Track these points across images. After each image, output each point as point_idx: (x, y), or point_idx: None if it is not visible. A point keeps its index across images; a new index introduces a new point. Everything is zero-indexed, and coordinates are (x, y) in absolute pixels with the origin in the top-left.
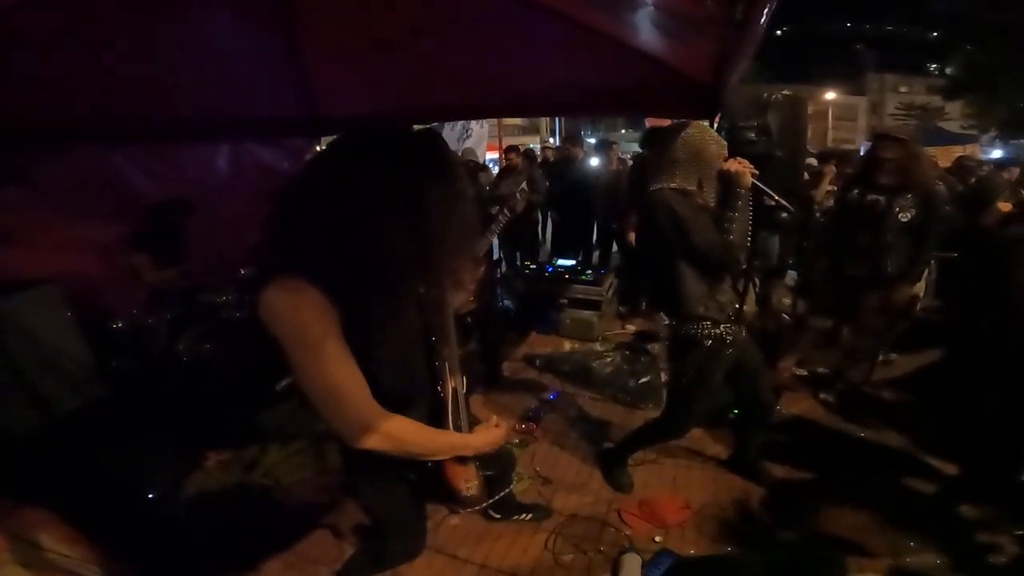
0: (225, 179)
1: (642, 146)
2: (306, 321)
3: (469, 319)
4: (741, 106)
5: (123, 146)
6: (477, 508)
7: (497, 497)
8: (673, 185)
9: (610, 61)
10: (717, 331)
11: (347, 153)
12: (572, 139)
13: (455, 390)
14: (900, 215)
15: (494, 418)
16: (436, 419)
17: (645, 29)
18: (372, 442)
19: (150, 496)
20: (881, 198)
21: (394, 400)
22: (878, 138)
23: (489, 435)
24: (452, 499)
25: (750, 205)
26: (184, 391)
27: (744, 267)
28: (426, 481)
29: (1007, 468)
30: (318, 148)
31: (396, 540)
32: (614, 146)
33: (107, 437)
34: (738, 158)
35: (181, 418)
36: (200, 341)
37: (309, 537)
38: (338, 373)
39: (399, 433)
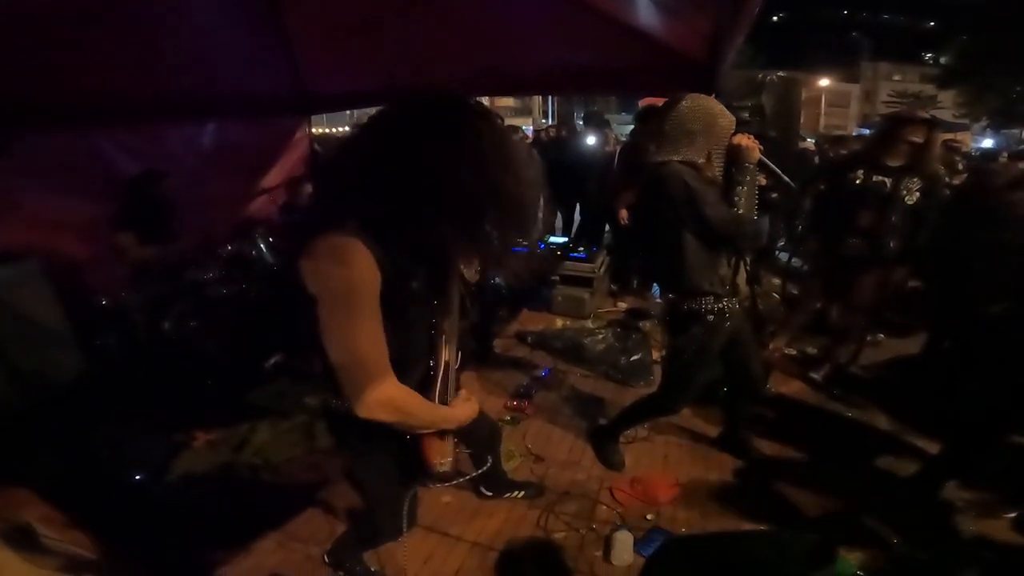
0: (210, 157)
1: (638, 123)
2: (355, 278)
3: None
4: (736, 86)
5: (106, 124)
6: (451, 484)
7: (477, 472)
8: (681, 158)
9: (604, 39)
10: (720, 305)
11: (416, 118)
12: (562, 120)
13: (447, 363)
14: (907, 197)
15: (463, 392)
16: (425, 390)
17: (640, 6)
18: (378, 410)
19: (137, 477)
20: (887, 180)
21: (394, 362)
22: (902, 121)
23: (468, 408)
24: (425, 474)
25: (757, 180)
26: (171, 369)
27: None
28: (403, 455)
29: (993, 449)
30: (307, 127)
31: (385, 516)
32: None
33: (92, 416)
34: (745, 133)
35: (168, 397)
36: (186, 319)
37: (299, 516)
38: (369, 336)
39: (404, 404)
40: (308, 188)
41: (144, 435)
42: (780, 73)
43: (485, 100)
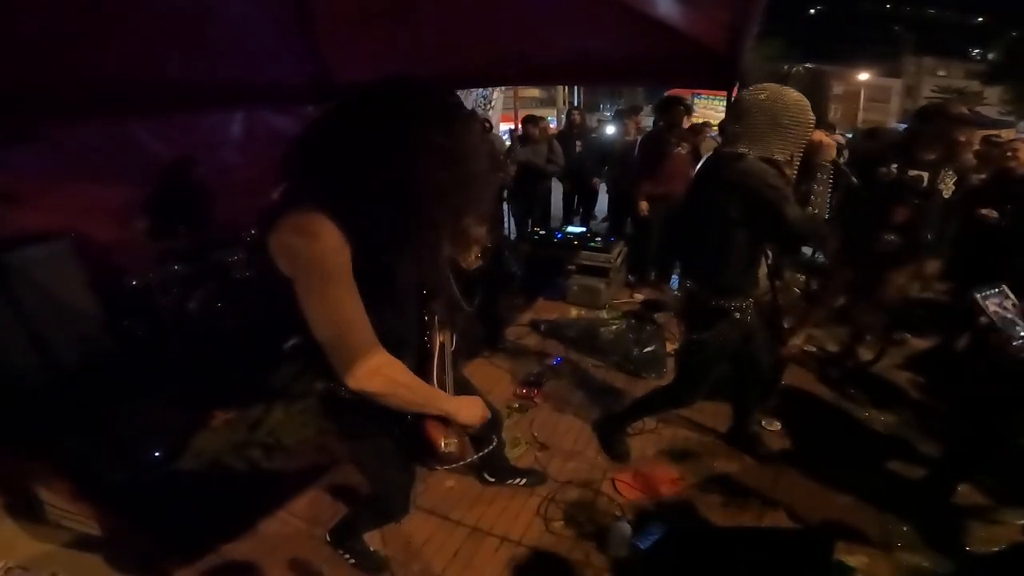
0: (237, 144)
1: (656, 113)
2: (325, 250)
3: (473, 278)
4: (759, 77)
5: (138, 112)
6: (454, 466)
7: (477, 455)
8: (762, 153)
9: (624, 29)
10: (746, 304)
11: (383, 102)
12: (577, 109)
13: (442, 344)
14: (944, 191)
15: (478, 399)
16: (421, 370)
17: None
18: (369, 380)
19: (156, 454)
20: (924, 174)
21: (387, 344)
22: (956, 120)
23: (474, 410)
24: (430, 455)
25: (831, 180)
26: (194, 350)
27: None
28: (406, 436)
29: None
30: None
31: (383, 497)
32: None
33: (115, 393)
34: (824, 131)
35: (190, 377)
36: (210, 300)
37: (306, 496)
38: (348, 306)
39: (396, 374)
40: None
41: (164, 413)
42: (807, 65)
43: (510, 90)
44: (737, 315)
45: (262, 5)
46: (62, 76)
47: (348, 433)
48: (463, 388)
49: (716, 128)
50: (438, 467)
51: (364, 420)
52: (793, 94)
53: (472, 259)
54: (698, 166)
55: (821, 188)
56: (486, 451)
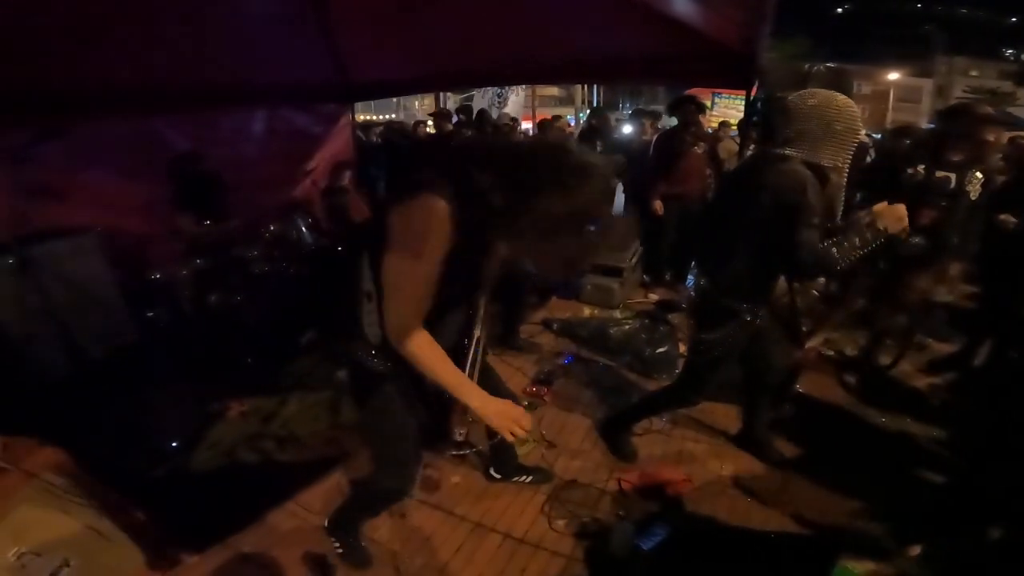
0: (259, 142)
1: (670, 113)
2: (433, 232)
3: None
4: (779, 77)
5: (164, 111)
6: (463, 453)
7: (490, 443)
8: (809, 158)
9: (640, 28)
10: (758, 306)
11: (544, 159)
12: (599, 108)
13: (478, 339)
14: (971, 193)
15: (517, 407)
16: (458, 358)
17: None
18: (404, 343)
19: (173, 444)
20: (952, 175)
21: (443, 330)
22: (983, 120)
23: (505, 418)
24: (444, 438)
25: (872, 246)
26: (213, 342)
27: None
28: (430, 415)
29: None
30: (350, 115)
31: (393, 475)
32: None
33: (135, 384)
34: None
35: (208, 368)
36: (231, 293)
37: (315, 488)
38: (419, 283)
39: (432, 348)
40: (349, 173)
41: (182, 404)
42: (829, 64)
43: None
44: (747, 317)
45: (284, 8)
46: (91, 77)
47: (372, 406)
48: (485, 377)
49: (735, 127)
50: (448, 452)
51: (393, 394)
52: (842, 98)
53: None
54: (738, 164)
55: (858, 245)
56: (496, 440)
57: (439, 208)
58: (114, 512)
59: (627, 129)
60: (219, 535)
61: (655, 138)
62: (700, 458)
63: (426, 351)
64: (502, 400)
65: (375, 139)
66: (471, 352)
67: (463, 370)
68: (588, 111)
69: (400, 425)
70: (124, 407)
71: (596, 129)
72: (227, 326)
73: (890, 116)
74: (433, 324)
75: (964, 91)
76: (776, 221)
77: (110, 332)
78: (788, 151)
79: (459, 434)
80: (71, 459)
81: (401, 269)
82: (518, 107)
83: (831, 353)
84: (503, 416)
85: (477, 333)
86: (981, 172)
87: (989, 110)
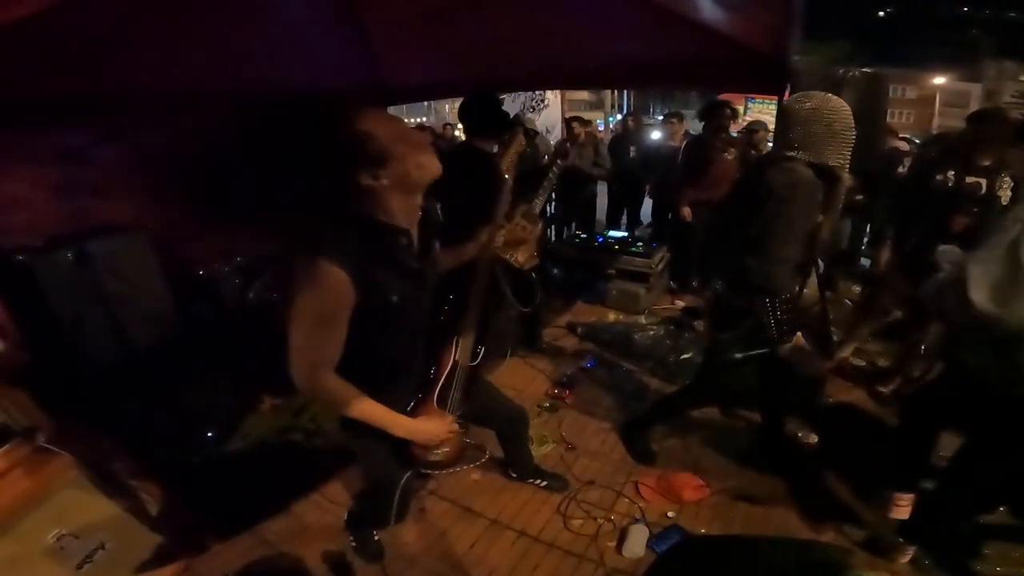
0: None
1: (700, 117)
2: (329, 300)
3: (533, 275)
4: (812, 82)
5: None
6: (447, 471)
7: (467, 464)
8: (812, 159)
9: (667, 32)
10: (774, 305)
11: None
12: (631, 114)
13: (455, 363)
14: (1002, 198)
15: (441, 421)
16: (422, 391)
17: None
18: (313, 389)
19: (209, 434)
20: (982, 180)
21: (384, 370)
22: (1012, 124)
23: (430, 433)
24: (419, 463)
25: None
26: (250, 337)
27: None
28: (394, 443)
29: None
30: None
31: (376, 502)
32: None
33: (178, 375)
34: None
35: (245, 362)
36: (268, 290)
37: (337, 480)
38: (322, 345)
39: (336, 389)
40: None
41: (219, 395)
42: (864, 69)
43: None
44: (763, 317)
45: (322, 12)
46: (142, 81)
47: (346, 436)
48: (486, 394)
49: (772, 132)
50: (427, 473)
51: (360, 426)
52: (837, 100)
53: (526, 257)
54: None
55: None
56: (479, 462)
57: (332, 275)
58: (152, 497)
59: (656, 135)
60: (245, 524)
61: (684, 144)
62: (720, 465)
63: (339, 391)
64: (422, 418)
65: None
66: (444, 377)
67: (431, 395)
68: (618, 115)
69: (373, 452)
70: (167, 396)
71: (629, 132)
72: (263, 321)
73: (936, 121)
74: (380, 361)
75: (1012, 96)
76: (775, 217)
77: (157, 324)
78: (796, 153)
79: (432, 455)
80: (117, 446)
81: (302, 332)
82: (553, 117)
83: (863, 364)
84: (427, 433)
85: (456, 356)
86: (1011, 177)
87: (1018, 115)
